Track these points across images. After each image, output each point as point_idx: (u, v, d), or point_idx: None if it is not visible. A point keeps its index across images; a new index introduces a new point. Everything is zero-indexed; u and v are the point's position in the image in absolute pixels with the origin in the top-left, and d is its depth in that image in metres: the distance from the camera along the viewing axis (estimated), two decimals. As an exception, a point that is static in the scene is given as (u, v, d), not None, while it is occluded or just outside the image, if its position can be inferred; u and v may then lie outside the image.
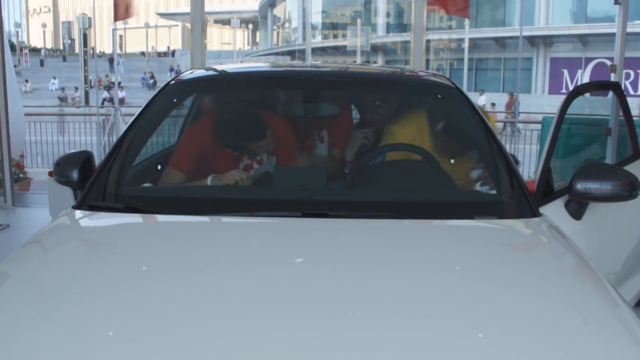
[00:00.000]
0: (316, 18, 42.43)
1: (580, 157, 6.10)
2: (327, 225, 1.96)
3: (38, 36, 75.96)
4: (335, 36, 41.59)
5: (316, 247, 1.81)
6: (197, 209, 2.11)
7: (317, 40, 41.43)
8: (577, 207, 2.52)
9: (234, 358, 1.25)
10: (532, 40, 29.85)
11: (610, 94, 5.07)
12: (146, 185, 2.63)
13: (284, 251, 1.75)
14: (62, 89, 34.67)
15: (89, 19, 18.66)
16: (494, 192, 2.29)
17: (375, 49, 35.68)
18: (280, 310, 1.40)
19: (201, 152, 2.55)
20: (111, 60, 39.76)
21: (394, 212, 2.10)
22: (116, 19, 9.89)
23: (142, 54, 55.11)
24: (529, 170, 8.98)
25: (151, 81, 38.31)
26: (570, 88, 24.67)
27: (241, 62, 32.06)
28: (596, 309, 1.55)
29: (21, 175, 8.07)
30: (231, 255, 1.74)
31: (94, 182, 2.21)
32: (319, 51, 39.27)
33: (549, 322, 1.42)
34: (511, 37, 30.38)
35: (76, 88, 32.01)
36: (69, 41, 57.28)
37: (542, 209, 2.25)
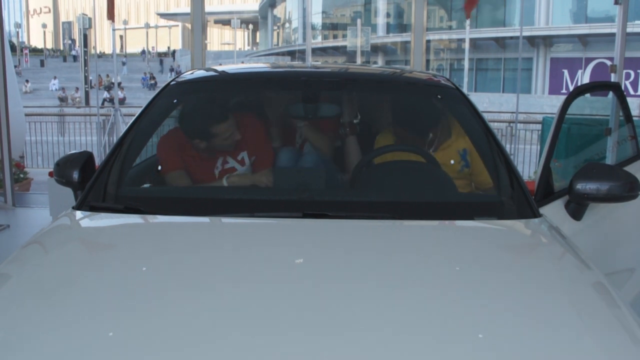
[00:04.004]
0: (316, 18, 42.43)
1: (580, 157, 6.10)
2: (328, 226, 1.96)
3: (38, 36, 75.95)
4: (335, 36, 41.58)
5: (317, 249, 1.81)
6: (197, 210, 2.11)
7: (317, 41, 41.43)
8: (577, 208, 2.52)
9: (233, 358, 1.25)
10: (532, 41, 29.85)
11: (611, 94, 5.06)
12: (146, 186, 2.63)
13: (285, 253, 1.75)
14: (63, 89, 34.71)
15: (89, 19, 18.66)
16: (494, 193, 2.30)
17: (376, 49, 35.68)
18: (280, 312, 1.40)
19: (179, 151, 2.55)
20: (123, 62, 42.74)
21: (394, 213, 2.10)
22: (109, 17, 10.00)
23: (143, 53, 55.15)
24: (529, 170, 8.99)
25: (152, 82, 38.32)
26: (571, 88, 24.69)
27: (242, 62, 32.04)
28: (596, 309, 1.55)
29: (21, 176, 8.07)
30: (231, 257, 1.74)
31: (95, 183, 2.21)
32: (319, 51, 39.27)
33: (549, 322, 1.42)
34: (511, 37, 30.38)
35: (77, 88, 32.02)
36: (70, 41, 57.34)
37: (542, 210, 2.25)
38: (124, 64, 44.57)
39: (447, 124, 2.73)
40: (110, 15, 9.77)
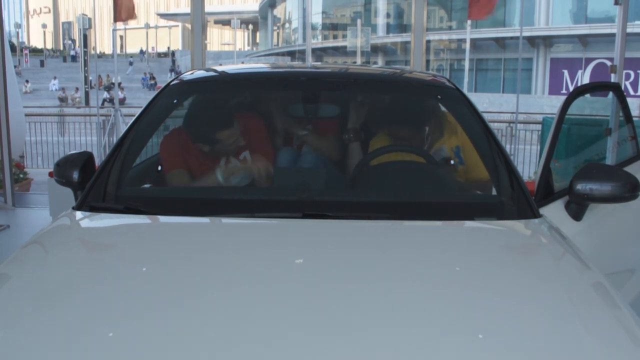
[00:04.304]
0: (316, 19, 42.43)
1: (580, 158, 6.10)
2: (328, 227, 1.96)
3: (38, 37, 75.96)
4: (335, 37, 41.58)
5: (317, 249, 1.81)
6: (197, 210, 2.11)
7: (317, 41, 41.43)
8: (577, 208, 2.52)
9: (234, 358, 1.25)
10: (532, 41, 29.86)
11: (611, 94, 5.06)
12: (146, 186, 2.63)
13: (285, 254, 1.75)
14: (63, 89, 34.72)
15: (89, 19, 18.66)
16: (494, 193, 2.30)
17: (376, 49, 35.69)
18: (280, 312, 1.40)
19: (181, 151, 2.55)
20: (130, 62, 44.15)
21: (394, 213, 2.10)
22: (116, 19, 9.97)
23: (141, 53, 55.02)
24: (529, 171, 8.99)
25: (152, 82, 38.31)
26: (571, 89, 24.66)
27: (242, 63, 32.05)
28: (596, 310, 1.55)
29: (21, 176, 8.07)
30: (232, 257, 1.74)
31: (95, 183, 2.21)
32: (319, 52, 39.28)
33: (549, 323, 1.42)
34: (511, 38, 30.38)
35: (77, 89, 32.02)
36: (70, 42, 57.32)
37: (542, 210, 2.25)
38: (130, 64, 44.60)
39: (439, 123, 2.74)
40: (119, 17, 9.75)
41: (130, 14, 9.83)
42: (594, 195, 2.32)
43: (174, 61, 48.28)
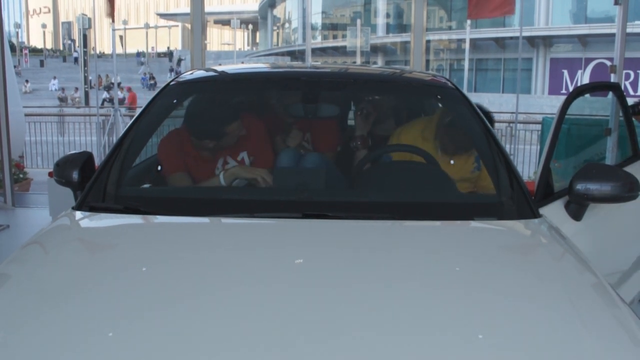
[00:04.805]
0: (316, 18, 42.43)
1: (580, 158, 6.10)
2: (328, 227, 1.96)
3: (38, 37, 75.97)
4: (335, 37, 41.58)
5: (317, 250, 1.81)
6: (197, 210, 2.11)
7: (317, 41, 41.43)
8: (577, 208, 2.51)
9: (233, 358, 1.25)
10: (532, 41, 29.86)
11: (610, 94, 5.07)
12: (146, 186, 2.63)
13: (285, 254, 1.75)
14: (62, 89, 34.71)
15: (89, 19, 18.67)
16: (493, 193, 2.30)
17: (375, 49, 35.69)
18: (280, 313, 1.40)
19: (180, 153, 2.55)
20: (141, 62, 43.85)
21: (394, 214, 2.10)
22: (112, 19, 9.98)
23: (138, 55, 54.74)
24: (528, 171, 8.99)
25: (151, 82, 38.30)
26: (570, 89, 24.68)
27: (242, 62, 32.04)
28: (596, 310, 1.55)
29: (21, 176, 8.07)
30: (232, 257, 1.74)
31: (94, 183, 2.21)
32: (318, 52, 39.27)
33: (549, 323, 1.42)
34: (511, 38, 30.38)
35: (76, 88, 32.00)
36: (69, 42, 57.29)
37: (541, 210, 2.25)
38: (142, 64, 44.29)
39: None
40: (110, 14, 9.76)
41: (109, 13, 9.84)
42: (593, 195, 2.32)
43: (179, 61, 46.27)
